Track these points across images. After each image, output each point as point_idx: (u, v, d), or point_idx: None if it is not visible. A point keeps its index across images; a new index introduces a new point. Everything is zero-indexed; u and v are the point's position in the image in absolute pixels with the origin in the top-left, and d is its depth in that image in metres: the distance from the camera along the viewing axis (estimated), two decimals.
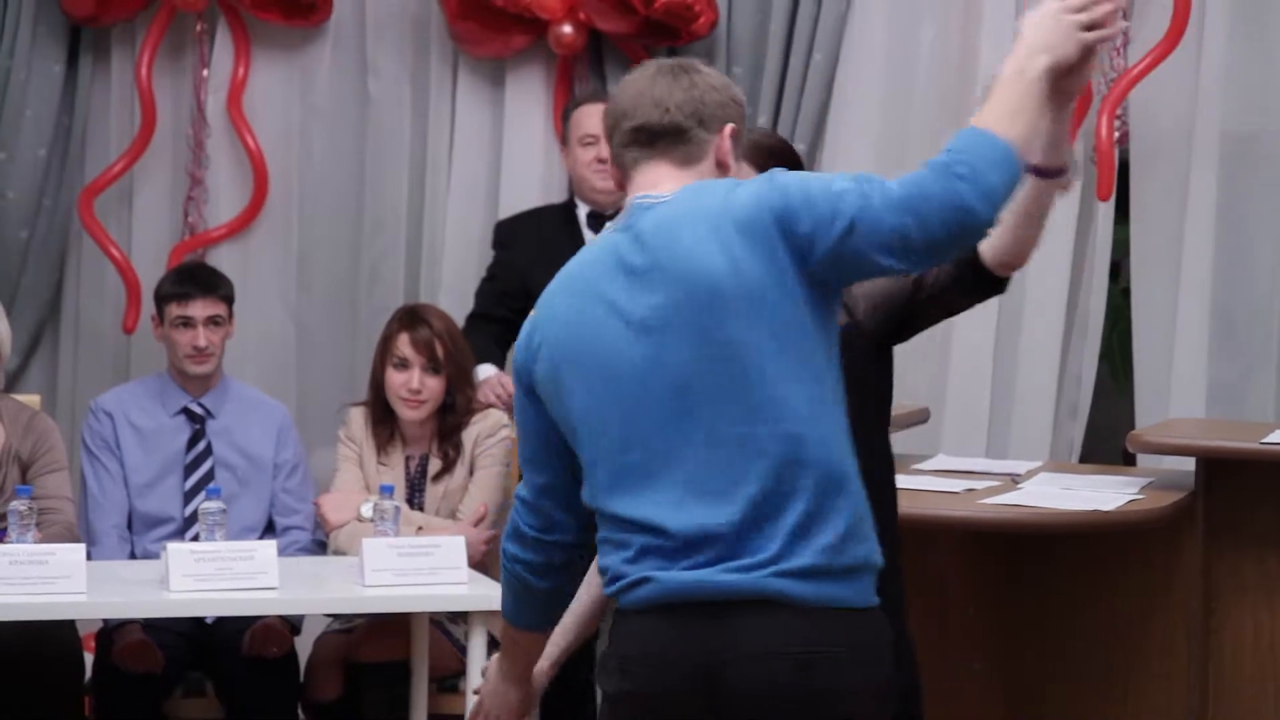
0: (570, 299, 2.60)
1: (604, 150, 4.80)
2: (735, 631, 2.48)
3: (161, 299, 4.76)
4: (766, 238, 2.47)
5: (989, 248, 2.91)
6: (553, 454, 2.65)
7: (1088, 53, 2.54)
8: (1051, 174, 2.78)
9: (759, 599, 2.47)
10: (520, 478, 2.74)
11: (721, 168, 2.62)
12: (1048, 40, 2.50)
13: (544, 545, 2.70)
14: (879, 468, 2.99)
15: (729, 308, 2.47)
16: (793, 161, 3.03)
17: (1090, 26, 2.53)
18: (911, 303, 3.03)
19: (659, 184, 2.59)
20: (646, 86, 2.61)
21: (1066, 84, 2.57)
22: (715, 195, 2.53)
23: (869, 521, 2.56)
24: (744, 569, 2.47)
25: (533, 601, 2.76)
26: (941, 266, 2.96)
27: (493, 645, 4.46)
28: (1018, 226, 2.88)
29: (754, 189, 2.51)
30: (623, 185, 2.65)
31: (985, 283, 2.97)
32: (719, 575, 2.48)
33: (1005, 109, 2.46)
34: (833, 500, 2.50)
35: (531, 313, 2.67)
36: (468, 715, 2.90)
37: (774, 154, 2.99)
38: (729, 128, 2.62)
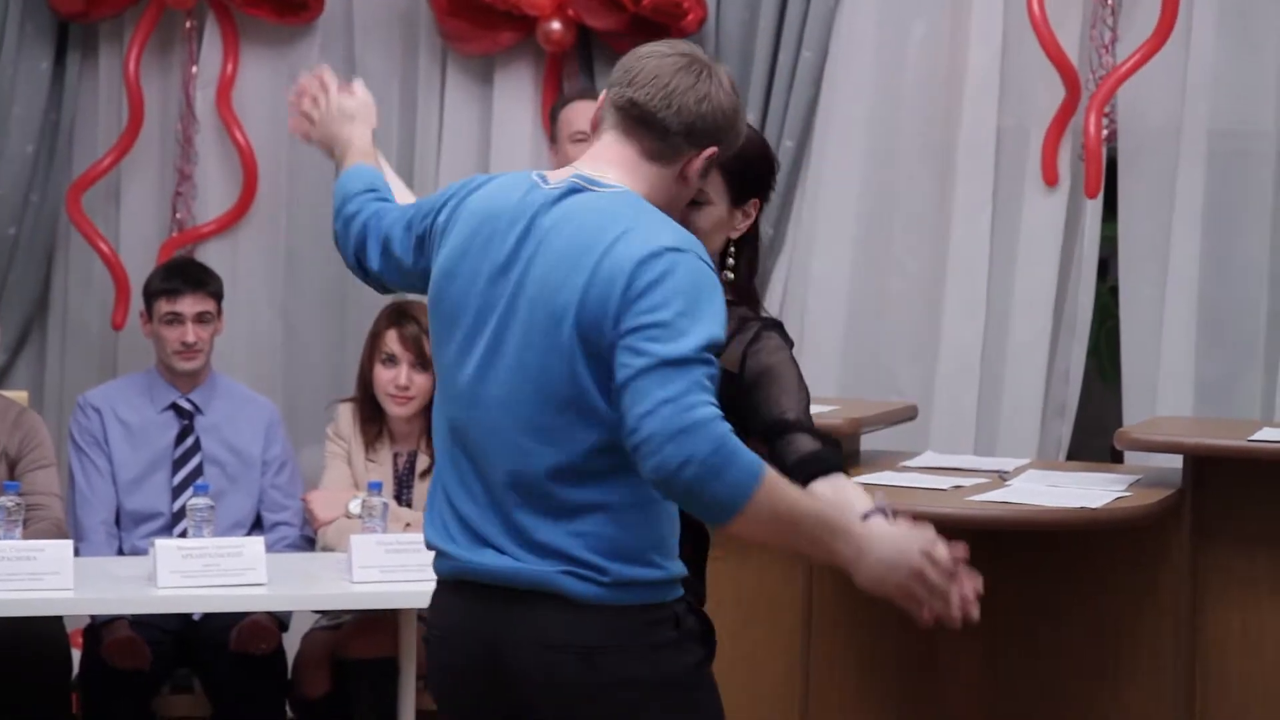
0: (479, 213, 2.59)
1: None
2: (518, 619, 2.52)
3: (150, 295, 4.75)
4: (605, 301, 2.44)
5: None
6: (395, 248, 2.71)
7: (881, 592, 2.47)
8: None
9: (543, 591, 2.50)
10: None
11: (682, 179, 2.59)
12: (873, 573, 2.44)
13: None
14: None
15: (563, 330, 2.47)
16: (762, 165, 2.93)
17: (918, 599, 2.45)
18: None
19: (614, 165, 2.56)
20: (668, 74, 2.56)
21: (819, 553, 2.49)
22: (617, 225, 2.49)
23: (660, 539, 2.54)
24: (529, 560, 2.51)
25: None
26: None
27: None
28: None
29: (639, 251, 2.45)
30: (595, 128, 2.63)
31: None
32: (504, 561, 2.52)
33: (784, 515, 2.40)
34: (617, 517, 2.50)
35: (451, 189, 2.67)
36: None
37: (741, 157, 2.82)
38: (711, 150, 2.59)
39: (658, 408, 2.36)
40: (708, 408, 2.37)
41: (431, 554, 2.64)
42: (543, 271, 2.50)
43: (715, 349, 2.44)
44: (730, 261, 2.86)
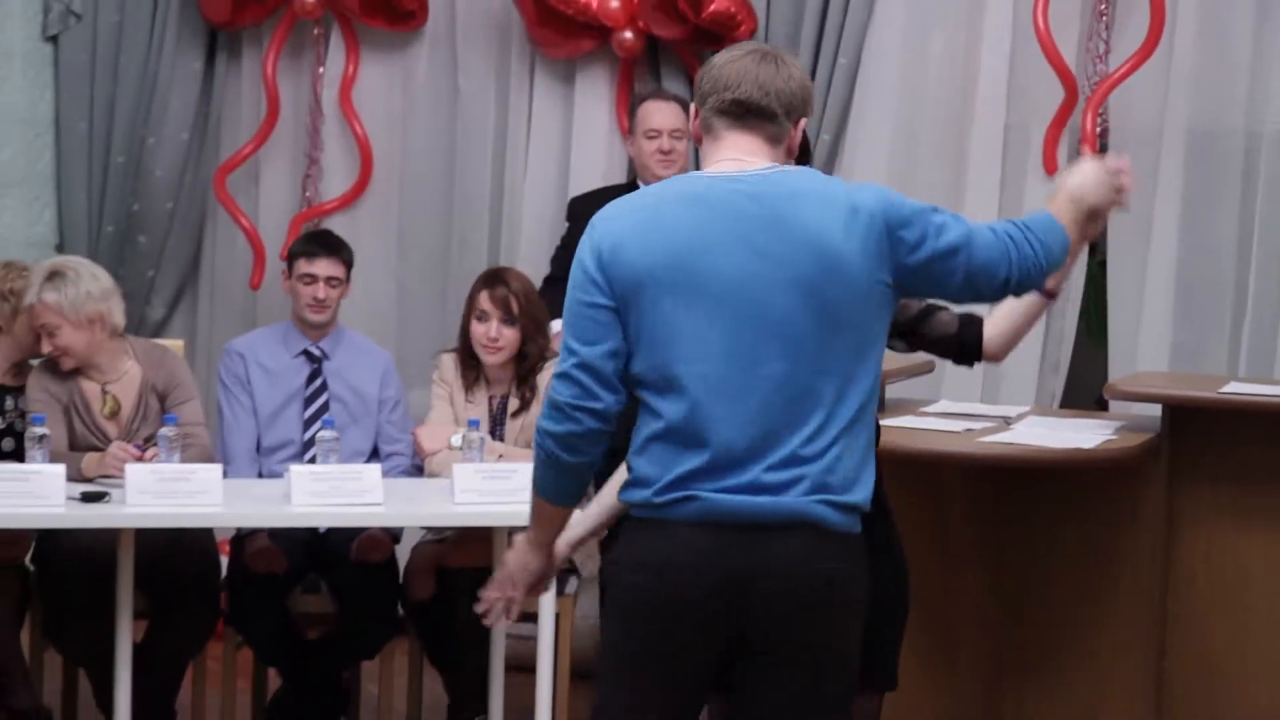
0: (686, 209, 2.52)
1: (665, 143, 4.79)
2: (771, 549, 2.48)
3: (293, 256, 4.79)
4: (875, 231, 2.50)
5: (991, 332, 3.10)
6: (603, 330, 2.54)
7: (1109, 207, 2.72)
8: (1050, 296, 3.01)
9: (797, 522, 2.48)
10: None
11: (789, 153, 2.62)
12: (1093, 188, 2.69)
13: (578, 413, 2.54)
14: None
15: (832, 274, 2.48)
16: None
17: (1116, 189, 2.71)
18: (910, 333, 3.12)
19: (754, 153, 2.58)
20: (751, 68, 2.57)
21: (1089, 228, 2.73)
22: (836, 184, 2.57)
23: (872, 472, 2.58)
24: (787, 495, 2.48)
25: (561, 476, 2.59)
26: (948, 323, 3.09)
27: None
28: (1014, 330, 3.11)
29: (873, 189, 2.56)
30: (701, 141, 2.62)
31: (969, 355, 3.14)
32: (760, 499, 2.48)
33: (1067, 219, 2.66)
34: (862, 448, 2.53)
35: (607, 210, 2.58)
36: (494, 578, 2.78)
37: None
38: (802, 121, 2.63)
39: (980, 259, 2.55)
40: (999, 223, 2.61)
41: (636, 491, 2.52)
42: (797, 236, 2.48)
43: None
44: None
